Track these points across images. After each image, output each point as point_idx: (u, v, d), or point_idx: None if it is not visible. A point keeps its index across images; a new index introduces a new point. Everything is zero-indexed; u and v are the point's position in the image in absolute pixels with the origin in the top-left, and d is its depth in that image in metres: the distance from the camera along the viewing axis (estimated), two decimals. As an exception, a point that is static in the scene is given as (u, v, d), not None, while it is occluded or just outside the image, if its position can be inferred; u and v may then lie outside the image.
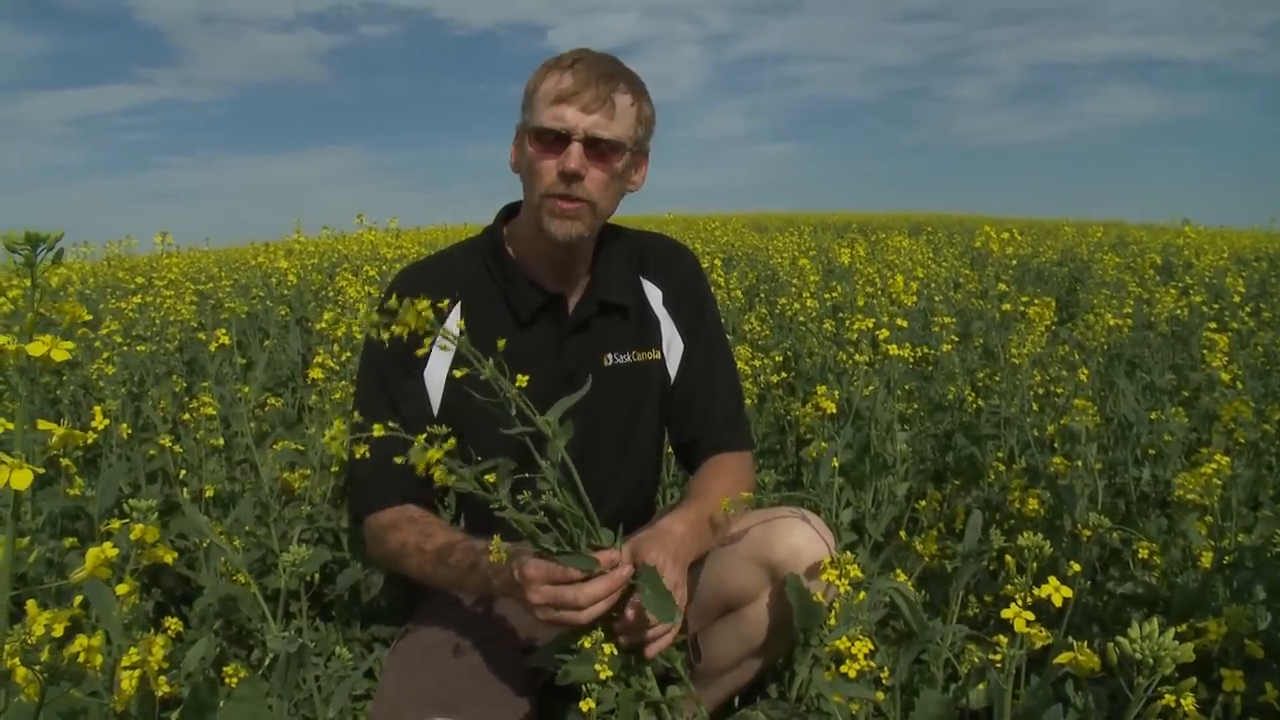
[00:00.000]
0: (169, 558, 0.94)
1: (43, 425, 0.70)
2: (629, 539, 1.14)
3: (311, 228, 4.82)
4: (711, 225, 7.55)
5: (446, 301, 1.34)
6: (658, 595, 1.05)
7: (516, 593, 1.10)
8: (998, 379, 2.55)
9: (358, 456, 1.35)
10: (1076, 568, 1.47)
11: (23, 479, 0.61)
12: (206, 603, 1.73)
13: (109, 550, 0.82)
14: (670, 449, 1.56)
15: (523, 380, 0.99)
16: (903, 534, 1.92)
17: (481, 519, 1.30)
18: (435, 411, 1.33)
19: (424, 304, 0.88)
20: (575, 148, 1.26)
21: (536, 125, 1.28)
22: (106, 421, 1.92)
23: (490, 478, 0.97)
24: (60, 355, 0.58)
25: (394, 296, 1.37)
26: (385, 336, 0.89)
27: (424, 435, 0.90)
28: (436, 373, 1.35)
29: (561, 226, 1.30)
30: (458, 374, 1.03)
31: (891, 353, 2.00)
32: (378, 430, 0.92)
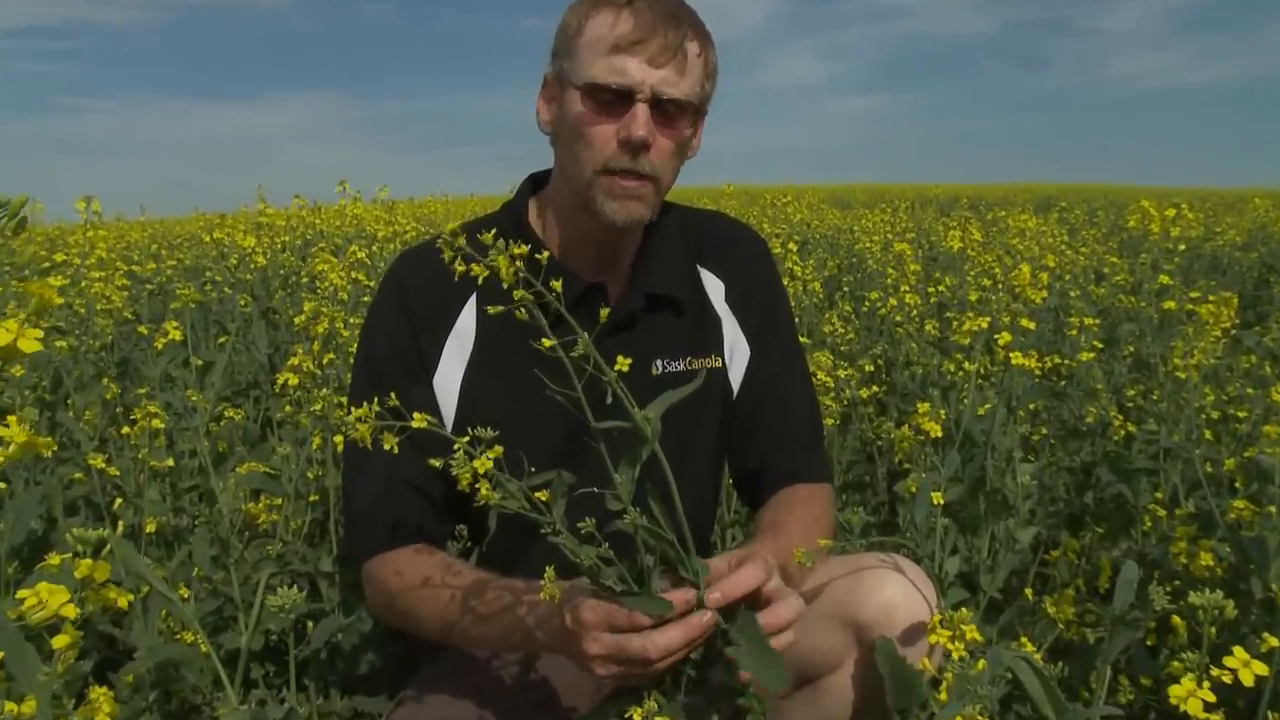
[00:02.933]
0: (123, 601, 0.99)
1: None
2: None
3: (277, 197, 4.91)
4: (781, 200, 7.54)
5: (458, 294, 1.39)
6: (758, 651, 1.04)
7: (569, 644, 1.12)
8: (1156, 397, 2.54)
9: (354, 485, 1.41)
10: (1273, 642, 1.43)
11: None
12: (142, 668, 1.74)
13: (59, 595, 0.86)
14: (730, 478, 1.60)
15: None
16: (1028, 592, 1.93)
17: (507, 560, 1.34)
18: (451, 427, 1.37)
19: (521, 249, 0.91)
20: (641, 110, 1.29)
21: (590, 80, 1.31)
22: (23, 435, 1.99)
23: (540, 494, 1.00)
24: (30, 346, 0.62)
25: (394, 290, 1.43)
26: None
27: (465, 440, 0.95)
28: (449, 378, 1.39)
29: (623, 209, 1.33)
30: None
31: (1014, 362, 2.01)
32: (386, 444, 0.95)
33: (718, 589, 1.08)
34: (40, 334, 0.64)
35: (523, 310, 0.93)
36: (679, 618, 1.07)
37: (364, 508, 1.39)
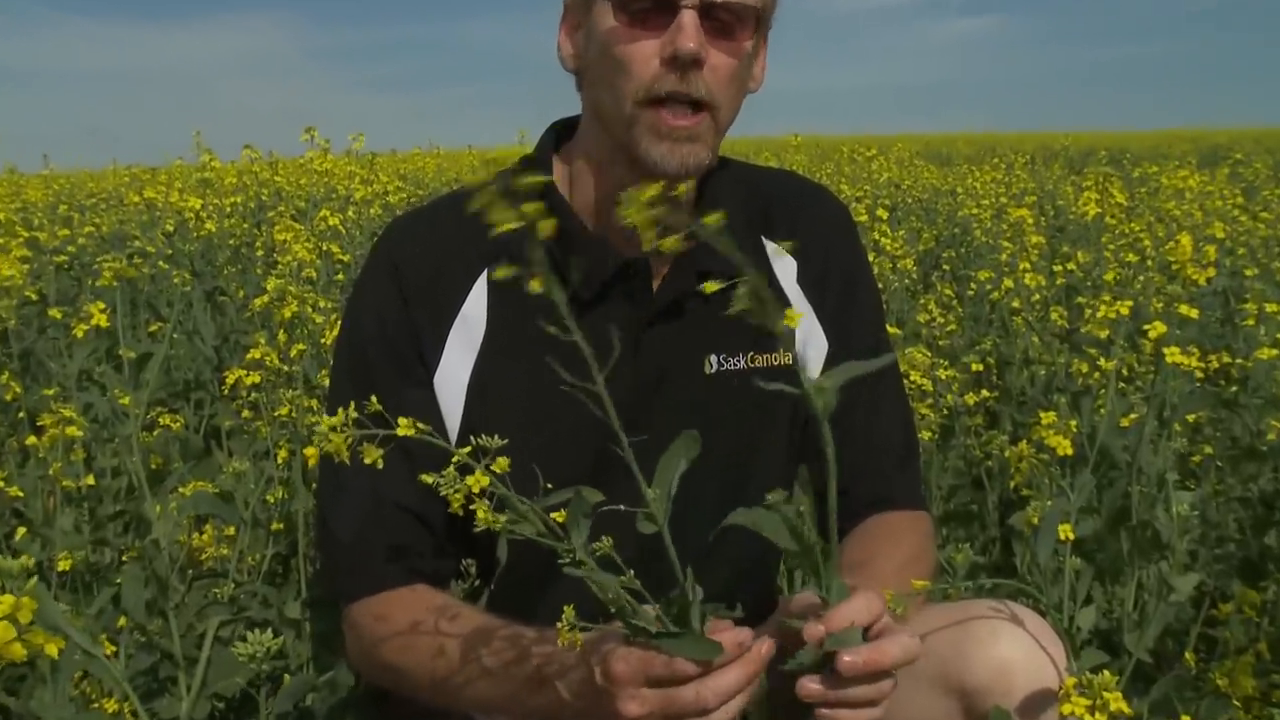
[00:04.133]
0: (19, 652, 1.01)
1: None
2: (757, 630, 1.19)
3: (221, 148, 4.95)
4: (863, 154, 7.53)
5: (465, 274, 1.43)
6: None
7: (600, 704, 1.14)
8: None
9: (333, 510, 1.44)
10: None
11: None
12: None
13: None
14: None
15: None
16: (1189, 657, 1.94)
17: (522, 603, 1.37)
18: (455, 436, 1.41)
19: (534, 207, 0.93)
20: (689, 17, 1.31)
21: None
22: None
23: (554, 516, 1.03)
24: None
25: (385, 266, 1.46)
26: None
27: (466, 450, 0.97)
28: (454, 376, 1.42)
29: (674, 152, 1.35)
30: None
31: (1169, 359, 2.02)
32: (370, 457, 0.99)
33: (822, 621, 1.11)
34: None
35: (549, 285, 0.95)
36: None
37: (346, 538, 1.42)
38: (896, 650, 1.13)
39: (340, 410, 1.41)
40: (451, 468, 0.99)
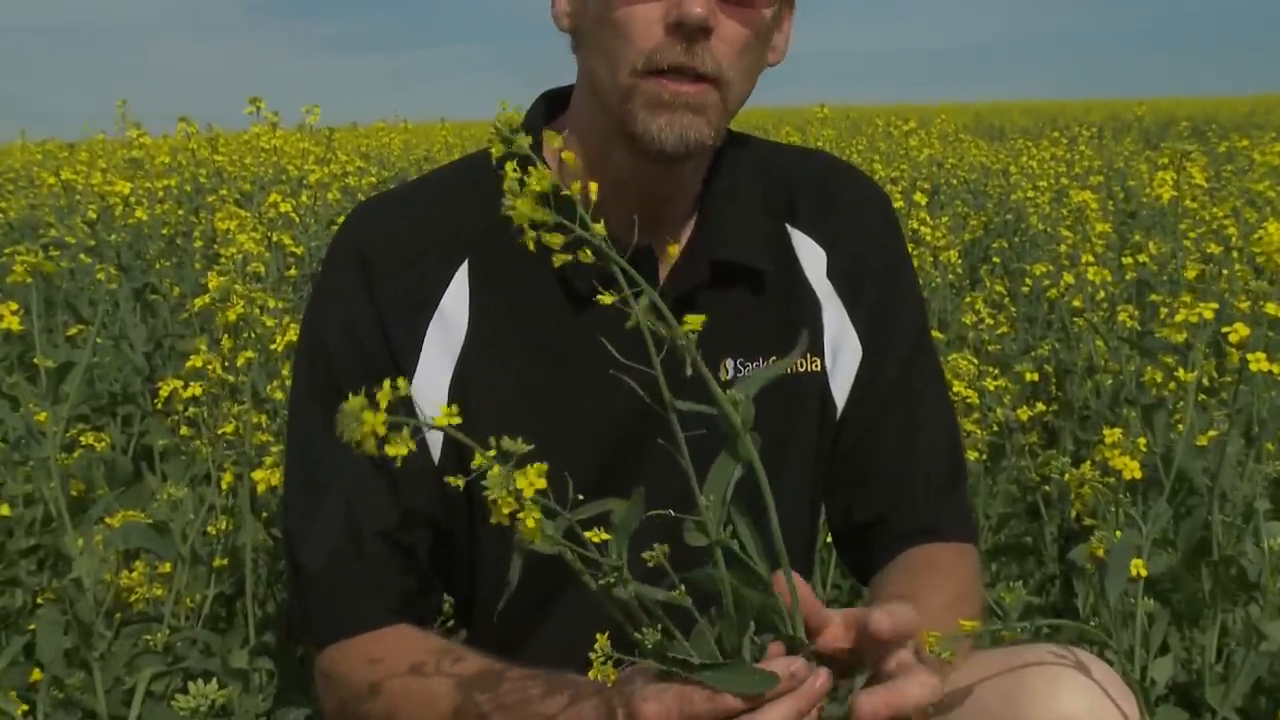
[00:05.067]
0: None
1: None
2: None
3: (150, 119, 4.94)
4: (900, 127, 7.52)
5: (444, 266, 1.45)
6: None
7: None
8: None
9: (301, 540, 1.45)
10: None
11: None
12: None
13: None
14: (828, 533, 1.63)
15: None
16: (1284, 714, 1.94)
17: (504, 644, 1.38)
18: (437, 456, 1.42)
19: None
20: None
21: None
22: None
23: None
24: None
25: (350, 259, 1.47)
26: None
27: (493, 453, 0.97)
28: (434, 380, 1.44)
29: (672, 125, 1.36)
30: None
31: (1253, 367, 2.04)
32: (395, 450, 0.98)
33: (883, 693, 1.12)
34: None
35: (583, 253, 0.97)
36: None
37: (319, 571, 1.42)
38: (916, 690, 1.14)
39: (307, 425, 1.43)
40: (496, 466, 0.98)
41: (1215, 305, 2.14)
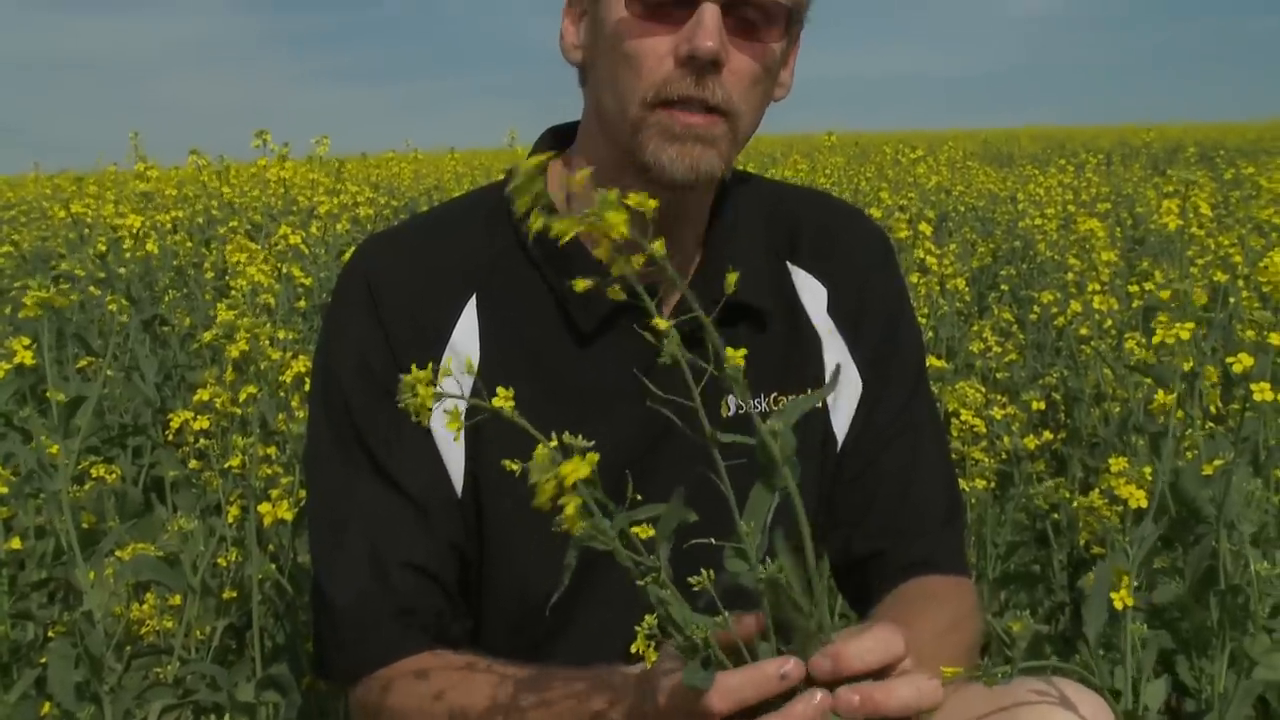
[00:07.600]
0: None
1: None
2: None
3: (161, 151, 4.95)
4: (907, 155, 7.54)
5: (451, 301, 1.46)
6: None
7: None
8: None
9: (328, 572, 1.47)
10: None
11: None
12: None
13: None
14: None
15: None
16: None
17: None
18: (459, 488, 1.44)
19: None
20: (710, 13, 1.34)
21: None
22: None
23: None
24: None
25: (360, 293, 1.49)
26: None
27: (555, 444, 1.00)
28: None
29: (683, 156, 1.38)
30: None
31: (1259, 398, 2.04)
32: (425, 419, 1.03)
33: (829, 655, 1.10)
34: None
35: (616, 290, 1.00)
36: (781, 699, 1.10)
37: (347, 604, 1.43)
38: (907, 692, 1.12)
39: (325, 459, 1.45)
40: (541, 448, 1.02)
41: (1192, 325, 2.13)
